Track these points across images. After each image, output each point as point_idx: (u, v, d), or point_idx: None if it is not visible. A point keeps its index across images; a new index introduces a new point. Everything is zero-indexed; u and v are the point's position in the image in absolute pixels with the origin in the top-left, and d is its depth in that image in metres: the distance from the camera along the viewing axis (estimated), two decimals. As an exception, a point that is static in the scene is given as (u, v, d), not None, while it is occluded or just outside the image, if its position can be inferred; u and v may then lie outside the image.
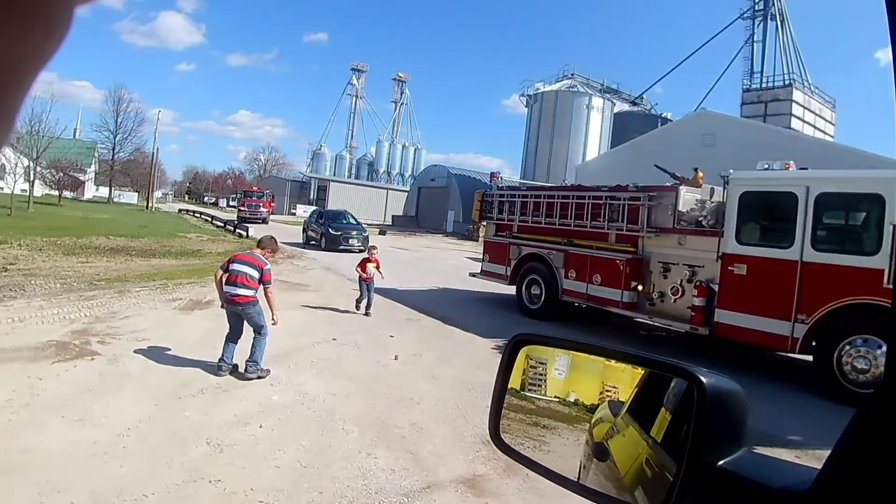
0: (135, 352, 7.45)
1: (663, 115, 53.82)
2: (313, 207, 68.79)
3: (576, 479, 1.21)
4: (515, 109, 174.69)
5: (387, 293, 13.85)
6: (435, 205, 57.29)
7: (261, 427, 5.44)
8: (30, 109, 41.78)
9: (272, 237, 7.54)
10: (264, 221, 43.61)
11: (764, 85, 46.97)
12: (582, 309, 12.16)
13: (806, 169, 8.96)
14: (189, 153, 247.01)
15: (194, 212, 55.17)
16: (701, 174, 11.33)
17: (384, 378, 7.33)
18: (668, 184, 11.26)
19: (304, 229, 29.25)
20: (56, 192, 52.91)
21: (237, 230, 30.96)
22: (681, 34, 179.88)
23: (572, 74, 52.65)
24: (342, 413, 5.99)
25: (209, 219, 42.74)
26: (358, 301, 11.32)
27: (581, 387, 1.33)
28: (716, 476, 0.86)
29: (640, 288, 10.55)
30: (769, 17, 51.29)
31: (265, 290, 6.93)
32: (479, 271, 14.91)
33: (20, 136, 43.13)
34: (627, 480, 1.15)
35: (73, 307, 9.57)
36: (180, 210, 61.55)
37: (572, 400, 1.33)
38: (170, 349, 7.65)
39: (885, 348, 7.47)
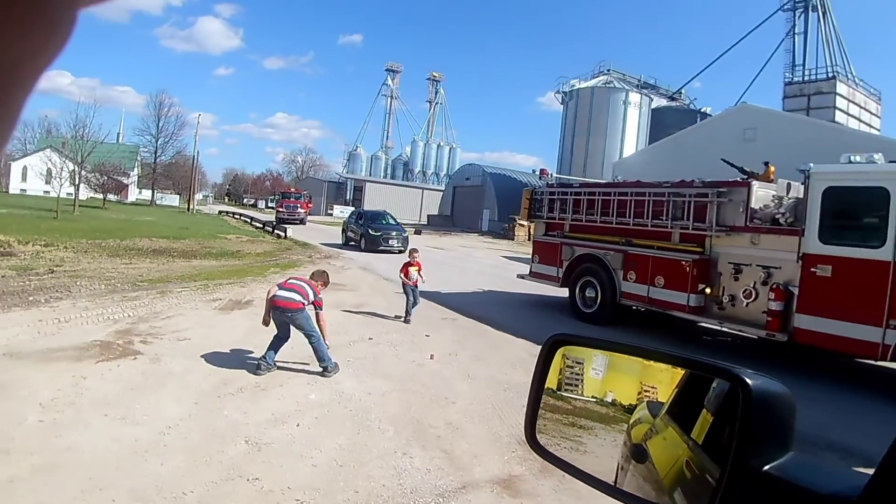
0: (176, 351, 7.59)
1: (702, 110, 52.94)
2: (350, 208, 69.67)
3: (613, 482, 1.18)
4: (550, 107, 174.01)
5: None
6: (470, 204, 57.29)
7: (298, 426, 5.49)
8: (74, 115, 43.19)
9: (324, 272, 7.80)
10: (302, 222, 44.11)
11: (806, 78, 45.88)
12: (641, 312, 11.54)
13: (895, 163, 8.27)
14: (228, 156, 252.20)
15: (234, 213, 56.17)
16: (772, 168, 10.86)
17: (420, 377, 7.34)
18: (738, 178, 10.41)
19: (343, 230, 29.08)
20: (100, 196, 54.48)
21: (275, 231, 31.38)
22: (720, 27, 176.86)
23: (608, 70, 52.15)
24: (378, 412, 6.01)
25: (248, 220, 43.45)
26: (408, 308, 10.71)
27: (619, 387, 1.30)
28: (761, 481, 0.82)
29: (707, 291, 9.86)
30: (810, 9, 50.01)
31: (317, 314, 7.13)
32: (527, 273, 14.29)
33: (65, 141, 44.51)
34: (667, 483, 1.12)
35: (117, 308, 9.80)
36: (220, 212, 62.72)
37: (610, 400, 1.30)
38: (210, 348, 7.78)
39: None
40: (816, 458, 0.91)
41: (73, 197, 39.00)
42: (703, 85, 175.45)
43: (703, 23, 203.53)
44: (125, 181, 70.99)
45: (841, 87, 42.54)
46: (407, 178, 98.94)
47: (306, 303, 6.97)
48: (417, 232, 40.98)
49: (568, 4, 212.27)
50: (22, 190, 69.85)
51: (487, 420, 6.03)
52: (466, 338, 9.69)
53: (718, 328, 10.17)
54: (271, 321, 7.01)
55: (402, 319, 10.59)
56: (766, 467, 0.82)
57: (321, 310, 7.19)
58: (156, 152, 74.17)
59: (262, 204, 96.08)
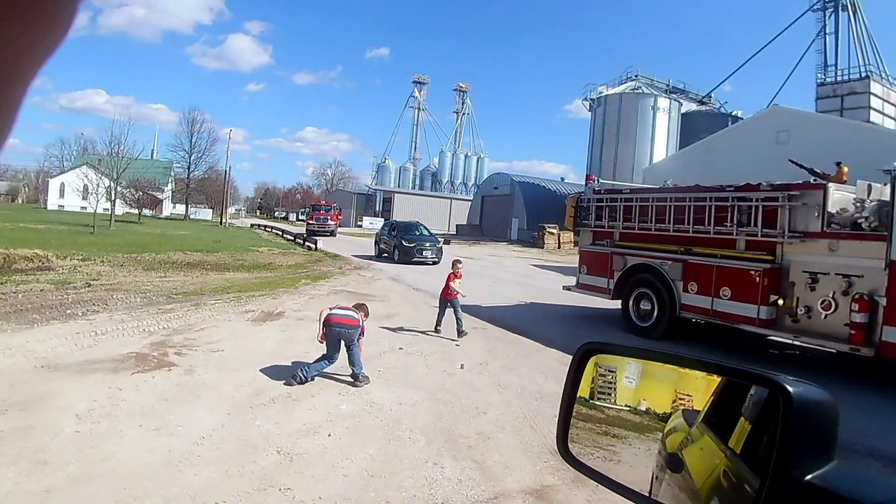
0: (209, 363, 7.68)
1: (733, 114, 52.17)
2: (379, 219, 70.23)
3: (647, 493, 1.16)
4: (578, 114, 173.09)
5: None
6: (499, 213, 57.21)
7: (329, 436, 5.50)
8: (110, 132, 44.30)
9: (364, 304, 7.93)
10: (332, 234, 44.48)
11: (839, 78, 44.90)
12: (700, 325, 10.85)
13: None
14: (260, 170, 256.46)
15: (265, 226, 56.89)
16: (845, 169, 10.33)
17: (450, 387, 7.31)
18: (811, 180, 9.76)
19: (375, 242, 28.95)
20: (136, 211, 55.71)
21: (306, 243, 31.65)
22: (749, 30, 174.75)
23: (636, 76, 51.72)
24: (409, 422, 6.00)
25: (280, 233, 43.95)
26: (460, 325, 10.08)
27: (653, 395, 1.28)
28: (803, 491, 0.79)
29: (780, 302, 9.11)
30: (840, 8, 49.01)
31: (357, 338, 7.30)
32: (573, 284, 13.61)
33: (101, 157, 45.66)
34: (704, 493, 1.09)
35: (152, 320, 9.96)
36: (252, 225, 63.58)
37: (644, 409, 1.28)
38: (242, 360, 7.87)
39: None
40: (860, 468, 0.87)
41: (110, 212, 39.91)
42: (733, 88, 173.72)
43: (732, 26, 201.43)
44: (159, 196, 72.57)
45: (875, 87, 41.57)
46: (435, 188, 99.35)
47: (361, 322, 7.30)
48: (446, 242, 40.97)
49: (594, 12, 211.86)
50: (60, 206, 71.67)
51: (519, 430, 5.98)
52: (497, 347, 9.64)
53: (791, 342, 9.54)
54: (322, 340, 7.25)
55: (457, 335, 9.94)
56: (809, 477, 0.79)
57: (362, 336, 7.40)
58: (189, 167, 75.68)
59: (293, 217, 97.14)
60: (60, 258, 17.71)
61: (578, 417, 1.32)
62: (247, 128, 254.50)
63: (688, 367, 1.22)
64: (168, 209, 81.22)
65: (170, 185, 79.80)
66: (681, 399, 1.23)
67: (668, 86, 53.08)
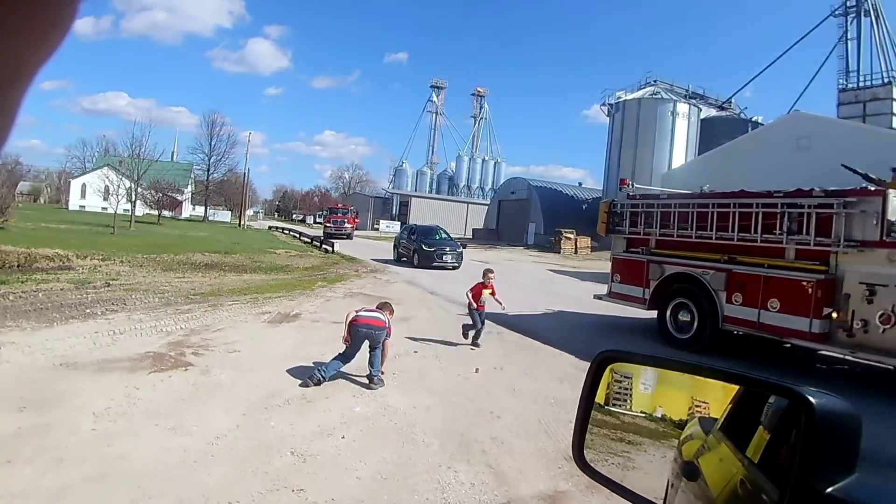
0: (226, 363, 7.72)
1: (753, 119, 51.71)
2: (396, 223, 70.46)
3: (663, 501, 1.14)
4: (596, 119, 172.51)
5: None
6: (515, 217, 57.15)
7: (343, 438, 5.50)
8: (131, 134, 44.87)
9: (388, 302, 7.98)
10: (349, 237, 44.59)
11: (861, 84, 44.36)
12: (740, 337, 10.31)
13: None
14: (278, 173, 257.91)
15: (283, 229, 57.30)
16: None
17: (465, 391, 7.29)
18: (867, 186, 9.21)
19: (395, 245, 28.62)
20: (156, 212, 56.27)
21: (323, 246, 31.77)
22: (769, 35, 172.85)
23: (655, 81, 51.42)
24: (423, 425, 5.99)
25: (297, 235, 44.25)
26: (467, 329, 9.75)
27: (669, 402, 1.26)
28: (825, 504, 0.77)
29: (834, 315, 8.56)
30: (862, 13, 48.42)
31: (384, 340, 7.35)
32: (605, 293, 12.99)
33: (122, 159, 46.25)
34: (720, 502, 1.07)
35: (170, 320, 10.05)
36: (270, 227, 64.07)
37: (659, 415, 1.27)
38: (258, 361, 7.91)
39: None
40: (883, 481, 0.85)
41: (130, 213, 40.33)
42: (753, 94, 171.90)
43: (752, 31, 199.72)
44: (179, 198, 73.22)
45: (898, 93, 41.03)
46: (452, 192, 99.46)
47: (387, 325, 7.34)
48: (463, 246, 40.97)
49: (613, 17, 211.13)
50: (81, 206, 72.57)
51: (533, 435, 5.94)
52: (512, 352, 9.61)
53: (844, 357, 9.08)
54: (347, 341, 7.30)
55: (471, 343, 9.65)
56: (830, 489, 0.77)
57: (389, 337, 7.43)
58: (208, 170, 76.52)
59: (310, 219, 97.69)
60: (81, 258, 17.93)
61: (594, 423, 1.31)
62: (266, 131, 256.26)
63: (707, 376, 1.20)
64: (187, 211, 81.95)
65: (189, 186, 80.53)
66: (697, 406, 1.22)
67: (687, 91, 52.74)
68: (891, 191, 8.56)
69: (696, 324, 10.56)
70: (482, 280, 9.86)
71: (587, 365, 1.35)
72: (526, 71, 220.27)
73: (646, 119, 46.20)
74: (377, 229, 71.13)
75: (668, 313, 11.16)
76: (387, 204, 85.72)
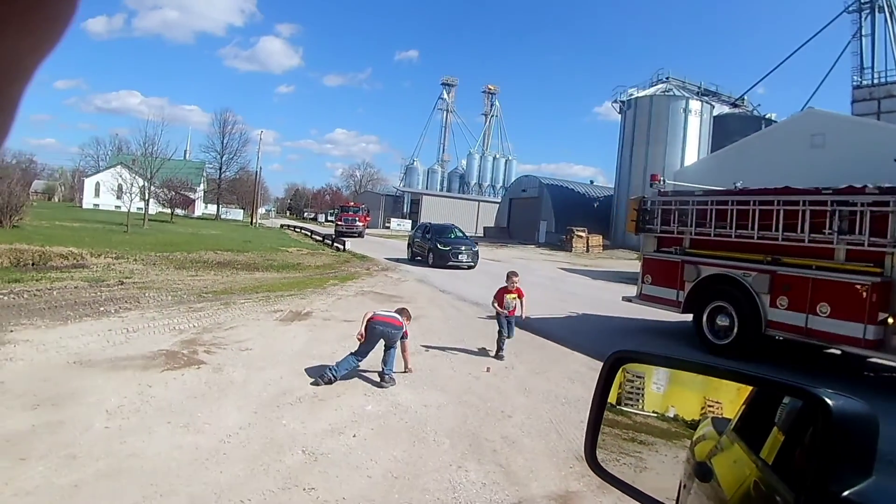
0: (238, 361, 7.76)
1: (767, 117, 51.34)
2: (407, 221, 70.55)
3: (674, 502, 1.13)
4: (608, 116, 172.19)
5: (478, 304, 13.84)
6: (527, 216, 57.08)
7: (354, 436, 5.51)
8: (144, 133, 45.19)
9: (405, 308, 8.02)
10: (360, 235, 44.68)
11: (875, 81, 43.92)
12: (781, 342, 9.66)
13: None
14: (290, 171, 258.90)
15: (295, 227, 57.45)
16: None
17: (476, 390, 7.29)
18: None
19: (408, 244, 28.19)
20: (168, 210, 56.68)
21: (335, 244, 31.86)
22: (782, 31, 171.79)
23: (667, 78, 51.09)
24: (434, 424, 5.99)
25: (308, 233, 44.34)
26: (500, 342, 9.07)
27: (681, 401, 1.25)
28: (840, 507, 0.76)
29: (890, 321, 8.06)
30: (876, 10, 47.90)
31: (402, 342, 7.48)
32: (634, 295, 12.39)
33: (136, 158, 46.60)
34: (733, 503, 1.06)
35: (183, 318, 10.11)
36: (282, 225, 64.26)
37: (672, 415, 1.26)
38: (270, 359, 7.94)
39: None
40: (901, 483, 0.83)
41: (143, 211, 40.66)
42: (767, 91, 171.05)
43: (765, 28, 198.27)
44: (192, 196, 73.76)
45: (913, 89, 40.59)
46: (463, 190, 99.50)
47: (404, 327, 7.43)
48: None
49: (624, 14, 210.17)
50: (95, 205, 73.17)
51: (545, 434, 5.93)
52: (523, 351, 9.58)
53: None
54: (362, 338, 7.34)
55: (494, 354, 9.01)
56: (846, 493, 0.76)
57: (406, 339, 7.56)
58: (220, 168, 76.91)
59: (321, 217, 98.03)
60: (94, 256, 18.09)
61: (605, 423, 1.30)
62: (277, 129, 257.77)
63: (720, 377, 1.19)
64: (200, 209, 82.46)
65: (202, 185, 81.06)
66: (710, 406, 1.21)
67: (699, 88, 52.40)
68: None
69: (735, 329, 9.94)
70: (505, 284, 9.26)
71: (599, 364, 1.35)
72: (537, 68, 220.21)
73: (658, 116, 45.96)
74: (388, 227, 71.25)
75: (705, 317, 10.53)
76: (398, 202, 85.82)
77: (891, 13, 47.63)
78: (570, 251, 41.68)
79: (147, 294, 12.34)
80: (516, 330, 9.43)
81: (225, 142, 76.80)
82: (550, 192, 55.55)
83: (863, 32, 48.19)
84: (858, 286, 8.32)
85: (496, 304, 9.12)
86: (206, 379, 6.93)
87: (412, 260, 26.13)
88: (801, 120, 30.60)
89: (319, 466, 4.80)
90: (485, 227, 64.34)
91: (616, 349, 1.36)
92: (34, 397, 5.80)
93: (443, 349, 9.25)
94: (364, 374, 7.36)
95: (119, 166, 54.32)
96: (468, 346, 9.55)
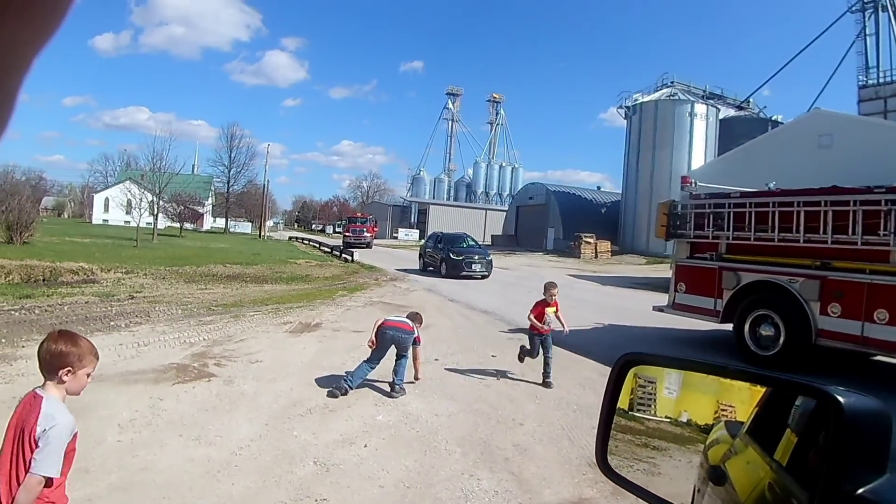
0: (248, 373, 7.77)
1: (773, 118, 51.19)
2: (415, 230, 70.64)
3: (689, 507, 1.13)
4: (613, 122, 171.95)
5: (487, 312, 13.84)
6: (534, 223, 57.07)
7: (365, 447, 5.51)
8: (152, 148, 45.50)
9: (418, 313, 8.02)
10: (368, 246, 44.75)
11: (882, 80, 43.71)
12: (826, 350, 8.99)
13: None
14: (297, 183, 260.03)
15: (303, 239, 57.62)
16: None
17: (487, 398, 7.27)
18: None
19: (420, 255, 27.73)
20: (177, 224, 56.93)
21: (343, 255, 31.92)
22: (786, 33, 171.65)
23: (672, 82, 51.06)
24: (445, 433, 5.98)
25: (317, 245, 44.45)
26: (523, 356, 8.42)
27: (694, 406, 1.25)
28: (856, 506, 0.75)
29: None
30: (880, 9, 47.74)
31: (414, 348, 7.47)
32: (666, 304, 11.66)
33: (144, 173, 46.93)
34: (748, 507, 1.06)
35: (193, 332, 10.14)
36: (290, 238, 64.43)
37: (684, 420, 1.26)
38: (280, 370, 7.95)
39: None
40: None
41: (152, 226, 40.84)
42: (772, 93, 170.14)
43: (769, 29, 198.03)
44: (200, 210, 74.08)
45: (920, 88, 40.37)
46: (470, 199, 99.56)
47: (415, 333, 7.42)
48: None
49: (627, 19, 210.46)
50: (104, 220, 73.63)
51: (556, 441, 5.91)
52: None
53: None
54: (373, 345, 7.36)
55: (541, 382, 8.04)
56: (861, 491, 0.76)
57: (418, 345, 7.56)
58: (228, 182, 77.22)
59: (329, 229, 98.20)
60: (105, 271, 18.19)
61: (618, 429, 1.30)
62: (284, 142, 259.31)
63: (731, 377, 1.19)
64: (209, 223, 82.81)
65: (210, 199, 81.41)
66: (723, 410, 1.20)
67: (704, 91, 52.36)
68: None
69: (782, 339, 9.26)
70: (544, 297, 8.39)
71: (609, 370, 1.34)
72: (541, 75, 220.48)
73: (663, 121, 45.93)
74: (396, 238, 71.39)
75: (747, 327, 9.85)
76: (405, 212, 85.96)
77: (894, 12, 47.48)
78: (579, 257, 41.60)
79: (157, 308, 12.39)
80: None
81: (232, 156, 77.20)
82: (557, 198, 55.54)
83: (867, 32, 48.01)
84: None
85: (533, 319, 8.22)
86: (217, 391, 6.94)
87: (424, 270, 25.74)
88: (807, 121, 30.46)
89: (331, 477, 4.79)
90: (492, 236, 64.35)
91: (624, 353, 1.35)
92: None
93: (452, 358, 9.24)
94: (375, 384, 7.36)
95: (128, 182, 54.75)
96: (478, 355, 9.54)
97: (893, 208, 8.17)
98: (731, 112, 52.98)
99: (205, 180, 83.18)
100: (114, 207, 68.76)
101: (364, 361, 7.27)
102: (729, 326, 10.33)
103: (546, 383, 7.95)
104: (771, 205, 9.77)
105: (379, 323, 7.40)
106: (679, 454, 1.24)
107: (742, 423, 1.16)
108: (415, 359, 7.58)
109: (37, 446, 2.34)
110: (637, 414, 1.32)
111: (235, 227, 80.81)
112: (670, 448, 1.26)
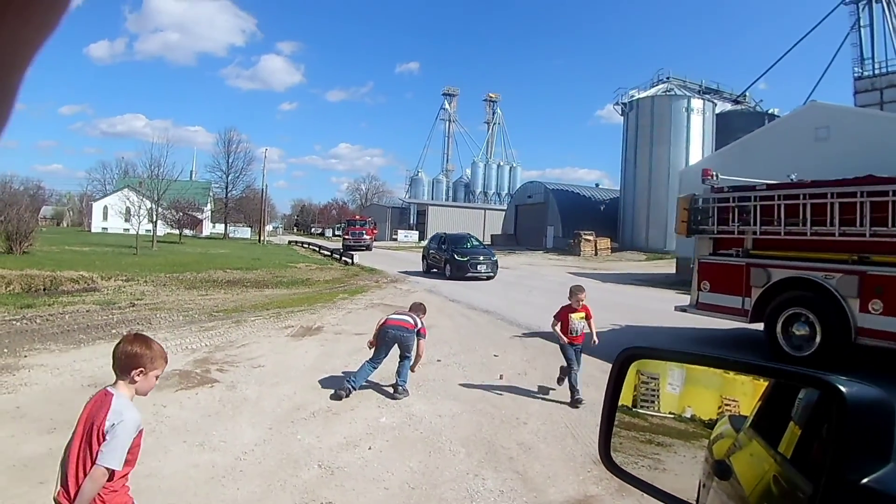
0: (251, 378, 7.77)
1: (770, 112, 51.17)
2: (414, 232, 70.62)
3: (695, 500, 1.13)
4: (610, 119, 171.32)
5: (488, 312, 13.85)
6: (533, 222, 57.13)
7: (370, 449, 5.51)
8: (149, 155, 45.50)
9: (422, 303, 7.98)
10: (368, 248, 44.71)
11: (877, 71, 43.74)
12: (874, 351, 8.53)
13: None
14: (296, 187, 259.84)
15: (303, 243, 57.54)
16: None
17: (490, 398, 7.27)
18: None
19: (423, 257, 27.11)
20: (177, 231, 56.91)
21: (343, 258, 31.89)
22: (781, 26, 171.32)
23: (668, 78, 51.04)
24: (449, 434, 5.98)
25: (317, 249, 44.44)
26: (562, 375, 7.35)
27: (697, 401, 1.25)
28: (860, 495, 0.76)
29: None
30: (874, 0, 47.80)
31: (418, 340, 7.34)
32: (689, 304, 11.09)
33: (142, 180, 46.94)
34: (753, 500, 1.06)
35: (195, 338, 10.14)
36: (290, 242, 64.38)
37: (688, 416, 1.26)
38: (283, 375, 7.96)
39: None
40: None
41: (152, 233, 40.84)
42: (769, 86, 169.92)
43: (763, 23, 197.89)
44: (199, 216, 73.99)
45: (915, 78, 40.41)
46: (468, 199, 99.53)
47: (417, 327, 7.31)
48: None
49: (622, 15, 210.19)
50: (104, 228, 73.46)
51: (561, 440, 5.91)
52: (536, 357, 9.55)
53: None
54: (372, 345, 7.36)
55: (570, 402, 7.01)
56: (865, 480, 0.76)
57: (423, 338, 7.40)
58: (227, 187, 77.39)
59: (329, 232, 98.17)
60: (105, 279, 18.19)
61: (622, 426, 1.30)
62: (282, 146, 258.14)
63: (733, 369, 1.19)
64: (208, 229, 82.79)
65: (209, 205, 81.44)
66: (727, 405, 1.20)
67: (701, 86, 52.31)
68: None
69: (818, 338, 8.78)
70: (569, 302, 7.45)
71: (611, 367, 1.34)
72: (537, 74, 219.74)
73: (660, 117, 45.95)
74: (395, 239, 71.33)
75: (779, 327, 9.33)
76: (404, 213, 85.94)
77: (888, 3, 47.50)
78: (579, 255, 41.60)
79: (158, 315, 12.39)
80: (529, 335, 9.15)
81: (230, 161, 77.42)
82: (556, 196, 55.59)
83: (861, 23, 48.02)
84: None
85: (558, 329, 7.33)
86: (220, 397, 6.94)
87: (427, 272, 25.27)
88: (804, 114, 30.44)
89: (336, 480, 4.80)
90: (492, 235, 64.33)
91: (625, 347, 1.35)
92: (51, 421, 5.82)
93: (454, 358, 9.24)
94: (378, 386, 7.37)
95: (126, 189, 54.66)
96: (480, 355, 9.54)
97: None
98: (728, 106, 53.02)
99: (203, 186, 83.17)
100: (113, 215, 68.60)
101: (367, 361, 7.26)
102: (757, 326, 9.91)
103: (574, 401, 6.96)
104: (802, 197, 9.25)
105: (381, 322, 7.40)
106: (684, 450, 1.25)
107: (745, 417, 1.17)
108: (417, 352, 7.32)
109: (104, 440, 2.52)
110: (641, 411, 1.32)
111: (235, 233, 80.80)
112: (675, 444, 1.26)
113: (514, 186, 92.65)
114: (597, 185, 67.04)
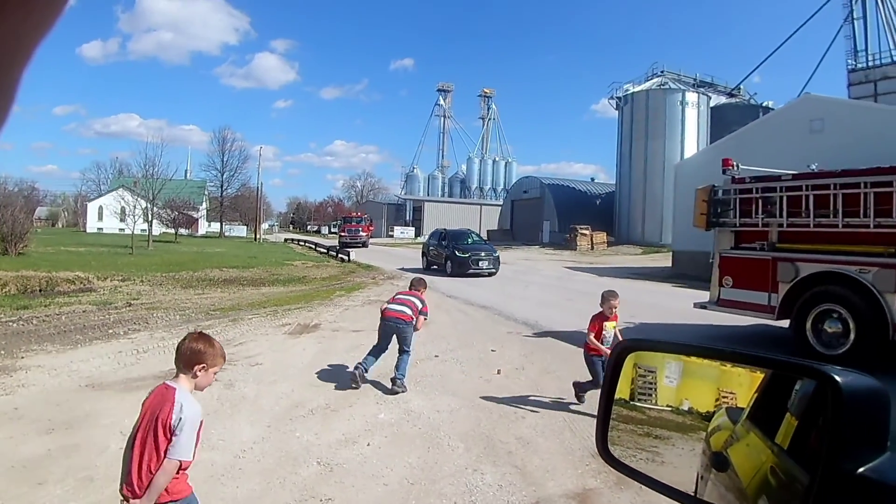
0: (249, 376, 7.78)
1: (764, 105, 51.24)
2: (410, 228, 70.60)
3: (693, 492, 1.13)
4: (605, 114, 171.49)
5: (487, 308, 13.86)
6: (529, 217, 57.14)
7: (368, 445, 5.52)
8: (144, 155, 45.42)
9: (422, 279, 8.19)
10: (364, 245, 44.74)
11: (871, 63, 43.81)
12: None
13: None
14: (291, 185, 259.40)
15: (299, 240, 57.54)
16: None
17: (488, 392, 7.28)
18: None
19: (423, 253, 26.79)
20: (172, 230, 56.81)
21: (339, 255, 31.88)
22: (774, 18, 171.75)
23: (662, 72, 51.02)
24: (447, 429, 5.99)
25: (313, 246, 44.40)
26: (582, 389, 6.78)
27: (695, 394, 1.25)
28: (856, 485, 0.76)
29: None
30: (866, -8, 47.84)
31: (420, 318, 7.49)
32: (709, 301, 10.48)
33: (137, 180, 46.84)
34: (750, 491, 1.06)
35: (192, 336, 10.11)
36: (286, 239, 64.38)
37: (686, 408, 1.26)
38: (281, 372, 7.97)
39: None
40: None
41: (147, 233, 40.76)
42: (763, 79, 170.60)
43: (757, 15, 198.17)
44: (195, 215, 73.89)
45: (909, 70, 40.50)
46: (464, 195, 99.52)
47: (415, 317, 7.39)
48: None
49: (615, 9, 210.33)
50: (99, 229, 73.32)
51: (559, 433, 5.92)
52: (534, 351, 9.57)
53: None
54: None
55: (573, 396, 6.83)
56: (861, 470, 0.76)
57: (426, 316, 7.62)
58: (222, 186, 77.27)
59: (325, 230, 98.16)
60: (101, 279, 18.16)
61: (619, 419, 1.30)
62: (277, 144, 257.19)
63: (730, 360, 1.19)
64: (203, 228, 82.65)
65: (204, 203, 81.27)
66: (724, 397, 1.21)
67: (695, 80, 52.37)
68: None
69: (853, 335, 8.30)
70: (601, 310, 6.88)
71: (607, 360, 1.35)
72: (532, 69, 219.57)
73: (655, 110, 45.93)
74: (391, 236, 71.36)
75: (809, 324, 8.86)
76: (400, 210, 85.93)
77: (880, -5, 47.55)
78: (575, 249, 41.68)
79: (155, 314, 12.38)
80: (526, 330, 9.19)
81: (225, 159, 77.31)
82: (552, 191, 55.59)
83: (854, 16, 48.05)
84: None
85: (593, 340, 6.73)
86: (218, 395, 6.93)
87: (427, 269, 24.80)
88: (798, 106, 30.49)
89: (335, 477, 4.80)
90: (488, 231, 64.27)
91: (621, 340, 1.36)
92: (49, 422, 5.82)
93: (452, 354, 9.25)
94: (375, 382, 7.38)
95: (121, 189, 54.57)
96: (478, 350, 9.55)
97: None
98: (723, 99, 53.08)
99: (198, 185, 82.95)
100: (108, 215, 68.57)
101: (372, 349, 7.44)
102: (780, 323, 9.58)
103: (578, 399, 6.81)
104: (833, 187, 8.72)
105: (382, 309, 7.51)
106: (681, 442, 1.25)
107: (743, 409, 1.17)
108: (418, 322, 7.46)
109: (172, 433, 2.70)
110: (638, 404, 1.33)
111: (231, 231, 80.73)
112: (672, 436, 1.27)
113: (509, 182, 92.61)
114: (592, 179, 67.22)
